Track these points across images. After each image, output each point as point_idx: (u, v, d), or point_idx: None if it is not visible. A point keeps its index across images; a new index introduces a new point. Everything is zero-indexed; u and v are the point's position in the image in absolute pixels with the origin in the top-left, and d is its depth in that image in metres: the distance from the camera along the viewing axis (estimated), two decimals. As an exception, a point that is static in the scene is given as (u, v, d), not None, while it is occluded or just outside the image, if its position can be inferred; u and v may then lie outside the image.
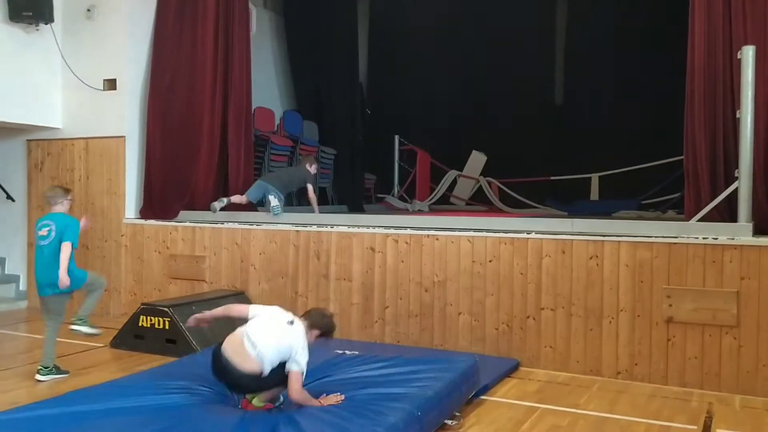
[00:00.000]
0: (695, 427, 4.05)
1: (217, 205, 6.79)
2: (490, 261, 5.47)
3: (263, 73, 9.27)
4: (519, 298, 5.37)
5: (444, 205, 10.48)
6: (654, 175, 9.14)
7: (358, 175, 9.87)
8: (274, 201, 6.72)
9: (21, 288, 7.88)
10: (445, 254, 5.64)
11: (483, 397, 4.46)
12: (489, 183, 10.51)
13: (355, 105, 10.05)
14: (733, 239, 4.77)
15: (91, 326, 5.03)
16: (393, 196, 10.63)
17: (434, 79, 11.19)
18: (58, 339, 4.98)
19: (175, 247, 6.93)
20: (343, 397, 3.74)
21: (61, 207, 4.96)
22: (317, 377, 4.08)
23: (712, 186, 5.27)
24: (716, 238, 4.80)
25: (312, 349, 3.70)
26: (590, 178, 10.06)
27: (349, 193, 9.69)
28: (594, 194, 10.01)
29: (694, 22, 5.38)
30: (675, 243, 4.91)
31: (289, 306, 6.17)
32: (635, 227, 5.33)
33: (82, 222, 5.06)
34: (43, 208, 7.66)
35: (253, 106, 7.93)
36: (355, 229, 6.06)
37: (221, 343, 3.65)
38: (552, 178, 10.22)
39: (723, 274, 4.75)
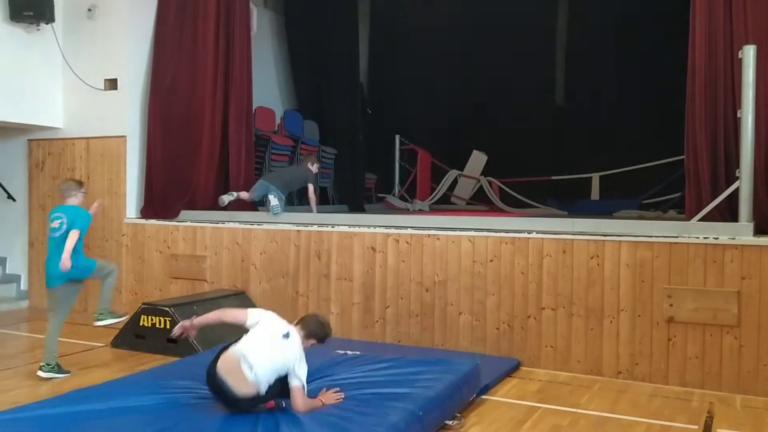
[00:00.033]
0: (696, 427, 4.05)
1: (225, 198, 6.85)
2: (490, 261, 5.47)
3: (264, 73, 9.27)
4: (520, 297, 5.37)
5: (445, 204, 10.48)
6: (655, 175, 9.13)
7: (358, 174, 9.86)
8: (273, 201, 6.73)
9: (22, 288, 7.88)
10: (445, 254, 5.64)
11: (484, 397, 4.46)
12: (490, 183, 10.50)
13: (355, 105, 10.04)
14: (733, 239, 4.76)
15: (113, 315, 5.13)
16: (394, 195, 10.62)
17: (435, 79, 11.18)
18: (61, 339, 4.99)
19: (176, 246, 6.94)
20: (342, 393, 3.74)
21: (74, 200, 5.02)
22: (318, 377, 4.08)
23: (712, 186, 5.27)
24: (717, 238, 4.80)
25: (309, 352, 3.70)
26: (591, 177, 10.06)
27: (350, 192, 9.69)
28: (595, 194, 10.00)
29: (695, 22, 5.38)
30: (676, 243, 4.91)
31: (290, 306, 6.25)
32: (636, 227, 5.33)
33: (96, 205, 5.28)
34: (44, 208, 7.70)
35: (254, 106, 7.93)
36: (356, 229, 6.06)
37: (216, 361, 3.51)
38: (553, 177, 10.22)
39: (724, 274, 4.75)
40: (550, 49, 10.81)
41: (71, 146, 7.59)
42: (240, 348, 3.52)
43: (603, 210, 8.30)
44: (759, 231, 4.92)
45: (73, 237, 4.77)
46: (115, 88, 7.38)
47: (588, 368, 5.12)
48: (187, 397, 3.70)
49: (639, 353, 4.98)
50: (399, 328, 5.81)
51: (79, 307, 5.38)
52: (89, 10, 7.45)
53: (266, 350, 3.50)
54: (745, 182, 4.95)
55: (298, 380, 3.51)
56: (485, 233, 5.55)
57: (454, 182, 10.76)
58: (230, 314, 3.83)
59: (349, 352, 4.79)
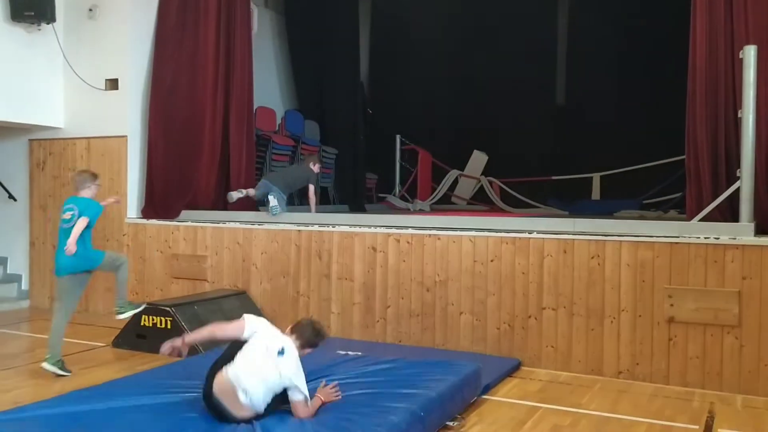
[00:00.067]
0: (697, 427, 4.05)
1: (234, 195, 6.88)
2: (491, 261, 5.48)
3: (265, 73, 9.27)
4: (520, 297, 5.37)
5: (445, 204, 10.49)
6: (655, 175, 9.13)
7: (359, 174, 9.86)
8: (273, 201, 6.73)
9: (23, 287, 7.89)
10: (446, 254, 5.65)
11: (484, 397, 4.46)
12: (490, 183, 10.51)
13: (356, 105, 10.04)
14: (734, 239, 4.76)
15: (132, 306, 5.22)
16: (394, 195, 10.63)
17: (436, 79, 11.18)
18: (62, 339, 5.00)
19: (177, 246, 6.94)
20: (339, 392, 3.73)
21: (88, 192, 5.05)
22: (319, 377, 4.08)
23: (713, 185, 5.27)
24: (718, 238, 4.80)
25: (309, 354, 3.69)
26: (592, 177, 10.06)
27: (351, 192, 9.69)
28: (595, 194, 10.01)
29: (696, 22, 5.38)
30: (676, 243, 4.91)
31: (291, 306, 6.26)
32: (637, 227, 5.33)
33: (112, 200, 5.44)
34: (45, 208, 7.71)
35: (255, 106, 7.93)
36: (357, 229, 6.06)
37: (210, 385, 3.41)
38: (553, 177, 10.22)
39: (724, 274, 4.75)
40: (551, 48, 10.81)
41: (72, 146, 7.60)
42: (234, 372, 3.36)
43: (604, 210, 8.30)
44: (760, 231, 4.91)
45: (81, 223, 4.82)
46: (116, 88, 7.39)
47: (589, 368, 5.12)
48: (189, 397, 3.69)
49: (640, 353, 4.98)
50: (400, 328, 5.81)
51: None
52: (90, 10, 7.46)
53: (260, 373, 3.36)
54: (745, 182, 4.95)
55: (300, 393, 3.43)
56: (486, 233, 5.56)
57: (455, 182, 10.77)
58: (224, 329, 3.58)
59: (350, 353, 4.79)
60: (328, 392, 3.70)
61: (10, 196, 7.88)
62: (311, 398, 3.56)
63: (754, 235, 4.80)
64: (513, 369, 5.15)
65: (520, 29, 10.52)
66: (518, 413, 4.20)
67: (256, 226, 6.58)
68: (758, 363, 4.66)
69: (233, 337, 3.51)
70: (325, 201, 9.24)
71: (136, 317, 5.73)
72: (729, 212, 5.15)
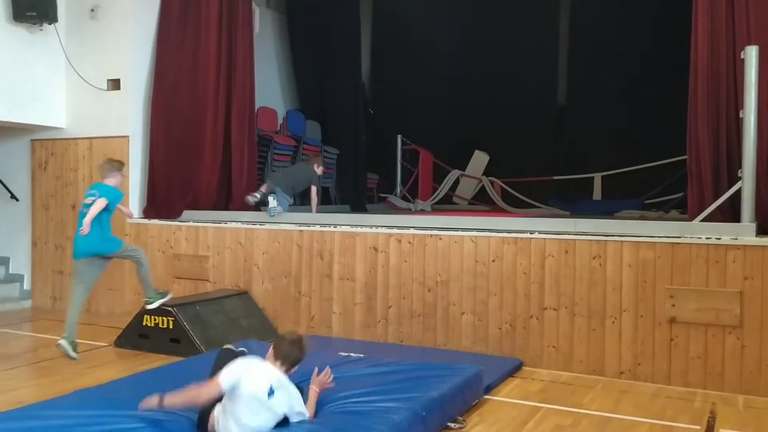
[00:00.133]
0: (698, 427, 4.05)
1: (251, 199, 6.90)
2: (493, 261, 5.48)
3: (266, 73, 9.28)
4: (522, 297, 5.37)
5: (446, 204, 10.49)
6: (657, 175, 9.13)
7: (360, 174, 9.87)
8: (272, 203, 6.75)
9: (25, 287, 7.90)
10: (448, 254, 5.65)
11: (486, 397, 4.46)
12: (492, 183, 10.51)
13: (357, 105, 10.05)
14: (736, 239, 4.77)
15: (160, 295, 5.44)
16: (395, 195, 10.63)
17: (437, 79, 11.19)
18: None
19: (179, 246, 6.95)
20: (332, 379, 3.68)
21: (112, 180, 5.23)
22: (326, 389, 4.08)
23: (715, 186, 5.27)
24: (719, 238, 4.80)
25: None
26: (593, 177, 10.06)
27: (352, 192, 9.70)
28: (597, 194, 10.00)
29: (698, 22, 5.38)
30: (678, 243, 4.91)
31: (292, 306, 6.26)
32: (638, 227, 5.33)
33: (127, 210, 5.60)
34: (47, 208, 7.73)
35: (257, 106, 7.94)
36: (359, 229, 6.07)
37: (204, 423, 3.30)
38: (555, 177, 10.22)
39: (726, 274, 4.75)
40: (553, 48, 10.80)
41: (74, 146, 7.61)
42: (228, 426, 3.21)
43: (605, 210, 8.30)
44: (761, 231, 4.91)
45: (99, 204, 4.99)
46: (118, 89, 7.40)
47: (590, 368, 5.13)
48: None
49: (641, 353, 4.98)
50: (401, 328, 5.82)
51: (82, 307, 5.41)
52: (92, 10, 7.47)
53: (255, 422, 3.21)
54: (747, 182, 4.95)
55: (302, 416, 3.38)
56: (487, 233, 5.56)
57: (456, 182, 10.77)
58: (201, 395, 3.21)
59: (352, 355, 4.79)
60: (322, 381, 3.64)
61: (12, 196, 7.89)
62: (306, 391, 3.54)
63: (756, 236, 4.80)
64: (514, 369, 5.15)
65: (521, 29, 10.52)
66: (520, 413, 4.21)
67: (257, 226, 6.58)
68: (760, 363, 4.66)
69: (213, 399, 3.23)
70: (326, 201, 9.24)
71: (138, 317, 5.75)
72: (730, 212, 5.15)
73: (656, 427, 4.03)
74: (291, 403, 3.33)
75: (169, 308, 5.62)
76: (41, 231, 7.79)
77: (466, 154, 10.91)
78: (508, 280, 5.42)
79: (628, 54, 9.83)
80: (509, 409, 4.30)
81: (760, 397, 4.60)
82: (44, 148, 7.79)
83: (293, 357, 3.39)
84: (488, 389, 4.55)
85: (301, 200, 8.15)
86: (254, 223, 6.67)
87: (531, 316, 5.34)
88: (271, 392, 3.23)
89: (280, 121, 9.35)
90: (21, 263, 7.95)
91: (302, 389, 3.57)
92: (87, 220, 4.98)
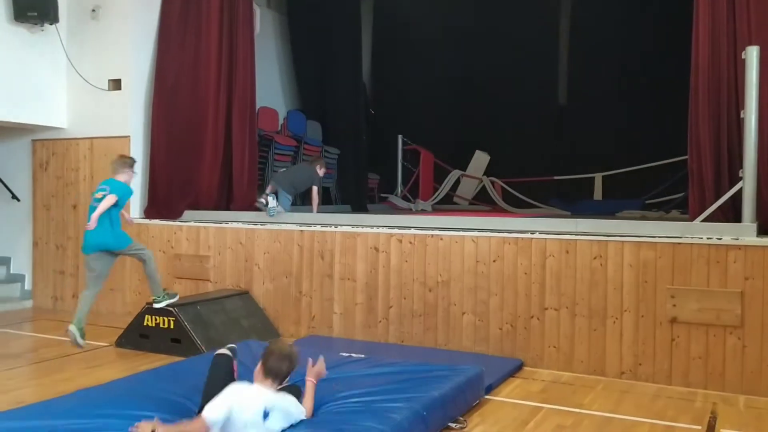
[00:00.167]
0: (699, 427, 4.05)
1: (263, 200, 6.90)
2: (494, 261, 5.48)
3: (267, 73, 9.28)
4: (523, 298, 5.37)
5: (447, 204, 10.49)
6: (658, 175, 9.14)
7: (361, 174, 9.88)
8: (271, 203, 6.77)
9: (26, 287, 7.90)
10: (449, 254, 5.65)
11: (487, 397, 4.46)
12: (492, 183, 10.52)
13: (358, 105, 10.06)
14: (737, 239, 4.76)
15: (168, 296, 5.62)
16: (396, 195, 10.64)
17: (437, 79, 11.19)
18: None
19: (180, 246, 6.95)
20: (322, 361, 3.66)
21: (123, 176, 5.36)
22: (322, 379, 4.08)
23: (716, 186, 5.27)
24: (720, 239, 4.80)
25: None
26: (594, 177, 10.07)
27: (353, 192, 9.71)
28: (597, 194, 10.01)
29: (699, 22, 5.38)
30: (679, 243, 4.91)
31: (293, 306, 6.26)
32: (639, 227, 5.33)
33: (128, 217, 5.71)
34: (48, 208, 7.74)
35: (257, 106, 7.94)
36: (359, 229, 6.07)
37: None
38: (555, 177, 10.22)
39: (727, 275, 4.74)
40: (553, 48, 10.81)
41: (75, 146, 7.61)
42: None
43: (606, 210, 8.31)
44: (762, 231, 4.91)
45: (108, 200, 5.10)
46: (119, 89, 7.40)
47: (591, 368, 5.12)
48: (191, 397, 3.70)
49: (642, 353, 4.98)
50: (402, 328, 5.82)
51: (94, 297, 5.47)
52: (93, 10, 7.47)
53: None
54: (748, 183, 4.95)
55: (301, 414, 3.36)
56: (488, 233, 5.56)
57: (457, 182, 10.78)
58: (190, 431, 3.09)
59: (353, 355, 4.79)
60: (317, 371, 3.63)
61: (14, 196, 7.89)
62: (302, 387, 3.53)
63: (757, 236, 4.79)
64: (515, 369, 5.15)
65: (521, 29, 10.53)
66: (521, 413, 4.21)
67: (258, 226, 6.58)
68: (761, 363, 4.66)
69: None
70: (327, 201, 9.25)
71: (139, 317, 5.76)
72: (731, 213, 5.15)
73: (657, 428, 4.03)
74: (288, 412, 3.31)
75: (170, 308, 5.63)
76: (42, 231, 7.80)
77: (467, 154, 10.91)
78: (509, 280, 5.42)
79: (628, 54, 9.84)
80: (510, 409, 4.30)
81: (761, 397, 4.60)
82: (45, 148, 7.79)
83: (283, 372, 3.33)
84: (489, 389, 4.55)
85: (302, 200, 8.16)
86: (255, 223, 6.67)
87: (532, 316, 5.34)
88: (265, 415, 3.18)
89: (280, 121, 9.36)
90: (22, 263, 7.96)
91: (299, 386, 3.56)
92: (95, 215, 5.10)
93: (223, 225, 6.77)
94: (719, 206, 5.13)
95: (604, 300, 5.11)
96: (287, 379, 3.40)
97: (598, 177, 10.02)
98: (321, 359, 3.68)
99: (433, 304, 5.70)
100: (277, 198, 6.93)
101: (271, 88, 9.70)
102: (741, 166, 5.02)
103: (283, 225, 6.51)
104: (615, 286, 5.07)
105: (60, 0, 7.33)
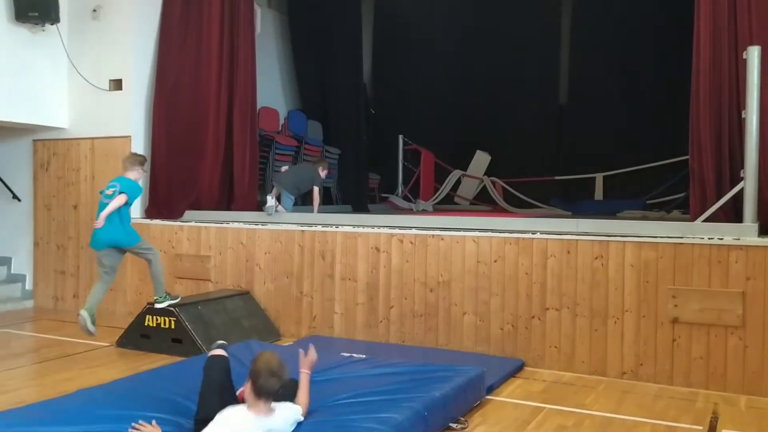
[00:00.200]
0: (701, 428, 4.05)
1: (269, 201, 6.90)
2: (495, 261, 5.48)
3: (268, 73, 9.29)
4: (524, 298, 5.37)
5: (448, 205, 10.49)
6: (659, 175, 9.14)
7: (362, 174, 9.88)
8: (270, 201, 6.77)
9: (27, 287, 7.90)
10: (450, 254, 5.65)
11: (488, 397, 4.46)
12: (493, 183, 10.52)
13: (359, 105, 10.06)
14: (738, 239, 4.76)
15: (170, 297, 5.68)
16: (397, 195, 10.64)
17: (438, 79, 11.19)
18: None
19: (181, 246, 6.95)
20: (313, 350, 3.65)
21: (133, 173, 5.47)
22: (323, 379, 4.09)
23: (717, 186, 5.27)
24: (722, 239, 4.80)
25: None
26: (594, 177, 10.06)
27: (354, 192, 9.71)
28: (598, 194, 10.01)
29: (700, 22, 5.38)
30: (680, 243, 4.91)
31: (294, 306, 6.26)
32: (640, 227, 5.33)
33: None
34: (49, 208, 7.74)
35: (258, 106, 7.95)
36: (360, 229, 6.07)
37: None
38: (556, 177, 10.22)
39: (728, 275, 4.74)
40: (554, 48, 10.80)
41: (76, 146, 7.61)
42: None
43: (607, 210, 8.31)
44: (764, 231, 4.91)
45: (118, 200, 5.22)
46: (120, 89, 7.40)
47: (592, 369, 5.12)
48: (191, 397, 3.70)
49: (643, 354, 4.98)
50: (403, 329, 5.81)
51: (107, 287, 5.49)
52: (94, 10, 7.47)
53: None
54: (749, 183, 4.94)
55: (298, 414, 3.35)
56: (489, 233, 5.56)
57: (458, 182, 10.78)
58: None
59: (354, 355, 4.79)
60: (309, 362, 3.62)
61: (15, 197, 7.89)
62: (300, 378, 3.52)
63: (758, 236, 4.79)
64: (516, 369, 5.14)
65: (522, 29, 10.53)
66: (522, 414, 4.20)
67: (259, 227, 6.58)
68: (762, 364, 4.65)
69: None
70: (328, 201, 9.25)
71: (140, 317, 5.76)
72: (733, 213, 5.14)
73: (659, 428, 4.03)
74: (285, 418, 3.27)
75: (171, 308, 5.63)
76: (43, 231, 7.80)
77: (468, 154, 10.91)
78: (510, 280, 5.41)
79: (629, 54, 9.83)
80: (511, 409, 4.29)
81: (762, 398, 4.59)
82: (46, 148, 7.79)
83: (275, 389, 3.18)
84: (490, 389, 4.54)
85: (303, 200, 8.17)
86: (256, 223, 6.67)
87: (533, 317, 5.33)
88: None
89: (281, 121, 9.36)
90: (23, 263, 7.96)
91: (295, 380, 3.53)
92: (104, 214, 5.20)
93: (224, 225, 6.77)
94: (720, 206, 5.13)
95: (605, 300, 5.11)
96: (280, 392, 3.27)
97: (599, 177, 10.02)
98: (311, 347, 3.68)
99: (434, 304, 5.69)
100: (279, 199, 6.94)
101: (272, 88, 9.70)
102: (742, 166, 5.02)
103: (284, 225, 6.51)
104: (616, 287, 5.07)
105: (61, 0, 7.33)
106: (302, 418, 3.39)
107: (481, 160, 10.84)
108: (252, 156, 7.60)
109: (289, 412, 3.32)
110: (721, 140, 5.29)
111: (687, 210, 6.13)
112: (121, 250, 5.48)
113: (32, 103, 7.33)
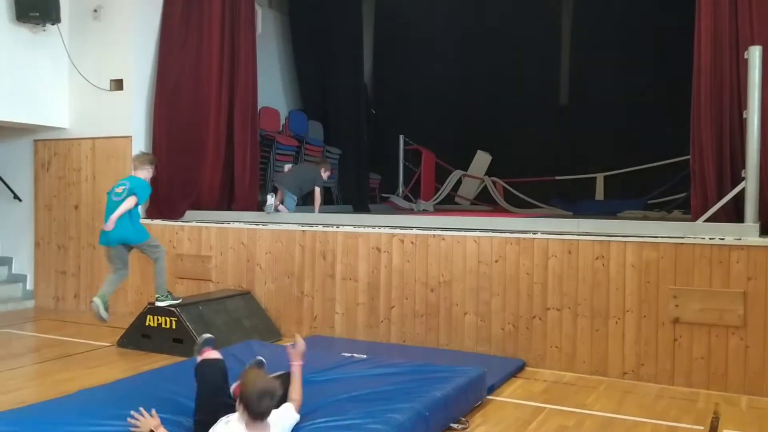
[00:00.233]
0: (702, 428, 4.05)
1: (270, 201, 6.94)
2: (496, 261, 5.47)
3: (269, 73, 9.29)
4: (525, 298, 5.37)
5: (449, 205, 10.49)
6: (660, 175, 9.14)
7: (363, 174, 9.88)
8: (270, 200, 6.79)
9: (28, 287, 7.90)
10: (450, 254, 5.65)
11: (489, 397, 4.46)
12: (494, 183, 10.52)
13: (360, 105, 10.07)
14: (739, 239, 4.76)
15: (171, 297, 5.73)
16: (398, 195, 10.64)
17: (439, 79, 11.19)
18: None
19: (182, 246, 6.95)
20: (302, 343, 3.63)
21: (143, 173, 5.62)
22: (323, 379, 4.09)
23: (718, 186, 5.27)
24: (723, 239, 4.80)
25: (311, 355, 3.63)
26: (595, 178, 10.07)
27: (354, 192, 9.71)
28: (599, 194, 10.01)
29: (701, 22, 5.37)
30: (681, 243, 4.91)
31: (295, 306, 6.26)
32: (641, 227, 5.33)
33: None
34: (50, 208, 7.74)
35: (259, 106, 7.95)
36: (361, 229, 6.07)
37: None
38: (557, 178, 10.22)
39: (730, 275, 4.74)
40: (555, 48, 10.81)
41: (77, 146, 7.61)
42: None
43: (607, 210, 8.31)
44: (765, 232, 4.91)
45: (129, 202, 5.34)
46: (121, 89, 7.40)
47: (593, 369, 5.12)
48: (192, 397, 3.69)
49: (645, 354, 4.98)
50: (404, 329, 5.81)
51: (85, 307, 5.46)
52: (95, 10, 7.47)
53: None
54: (750, 183, 4.94)
55: (292, 412, 3.32)
56: (490, 233, 5.56)
57: (458, 182, 10.78)
58: None
59: (355, 356, 4.79)
60: (299, 352, 3.59)
61: (15, 197, 7.90)
62: (292, 371, 3.51)
63: (759, 236, 4.79)
64: (517, 369, 5.14)
65: (522, 29, 10.54)
66: (523, 414, 4.20)
67: (260, 227, 6.58)
68: (763, 364, 4.65)
69: None
70: (329, 201, 9.25)
71: (141, 317, 5.76)
72: (734, 213, 5.14)
73: (660, 428, 4.03)
74: (282, 426, 3.23)
75: (172, 308, 5.63)
76: (44, 231, 7.80)
77: (468, 154, 10.92)
78: (511, 280, 5.41)
79: (629, 54, 9.82)
80: (512, 409, 4.29)
81: (763, 398, 4.59)
82: (47, 148, 7.80)
83: (271, 407, 3.11)
84: (491, 390, 4.54)
85: (303, 200, 8.17)
86: (257, 223, 6.67)
87: (534, 317, 5.33)
88: None
89: (282, 121, 9.36)
90: (24, 263, 7.96)
91: (288, 373, 3.53)
92: (114, 217, 5.31)
93: (225, 225, 6.77)
94: (722, 206, 5.13)
95: (606, 300, 5.11)
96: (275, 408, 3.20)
97: (600, 177, 10.02)
98: (298, 337, 3.67)
99: (435, 304, 5.69)
100: (282, 200, 6.94)
101: (273, 88, 9.71)
102: (743, 166, 5.02)
103: (284, 225, 6.51)
104: (617, 287, 5.07)
105: (62, 0, 7.33)
106: (298, 416, 3.36)
107: (481, 160, 10.85)
108: (253, 156, 7.60)
109: (286, 421, 3.28)
110: (722, 140, 5.29)
111: (688, 210, 6.13)
112: (129, 246, 5.59)
113: (33, 103, 7.33)
